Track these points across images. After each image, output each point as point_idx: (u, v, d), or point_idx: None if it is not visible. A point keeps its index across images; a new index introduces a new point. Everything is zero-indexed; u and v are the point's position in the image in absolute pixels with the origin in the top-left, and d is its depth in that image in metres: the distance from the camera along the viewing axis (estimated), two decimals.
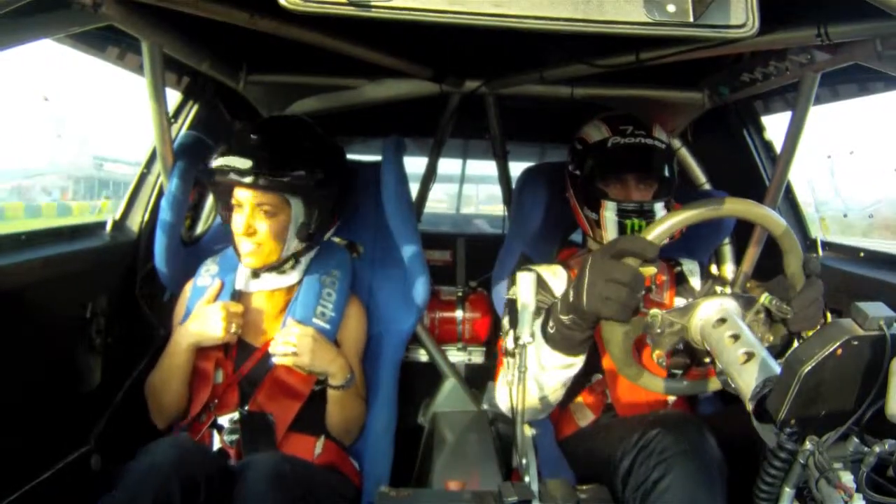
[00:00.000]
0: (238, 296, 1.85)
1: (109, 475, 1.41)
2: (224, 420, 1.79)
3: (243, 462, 1.57)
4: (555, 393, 1.62)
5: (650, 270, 1.37)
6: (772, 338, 1.43)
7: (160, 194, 1.99)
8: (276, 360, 1.75)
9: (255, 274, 1.84)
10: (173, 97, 2.24)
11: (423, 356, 2.59)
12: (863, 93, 1.96)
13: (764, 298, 1.40)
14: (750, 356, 1.24)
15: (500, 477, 1.92)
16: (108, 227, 2.13)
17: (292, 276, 1.88)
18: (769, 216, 1.40)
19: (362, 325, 1.97)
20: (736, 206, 1.40)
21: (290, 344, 1.72)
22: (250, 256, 1.78)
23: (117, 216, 2.18)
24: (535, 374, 1.55)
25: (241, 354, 1.83)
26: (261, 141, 1.78)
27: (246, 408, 1.78)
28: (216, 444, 1.76)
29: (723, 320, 1.35)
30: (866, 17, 1.27)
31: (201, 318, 1.77)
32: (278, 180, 1.72)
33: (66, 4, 1.23)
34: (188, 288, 1.91)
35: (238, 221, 1.76)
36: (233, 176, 1.70)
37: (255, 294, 1.87)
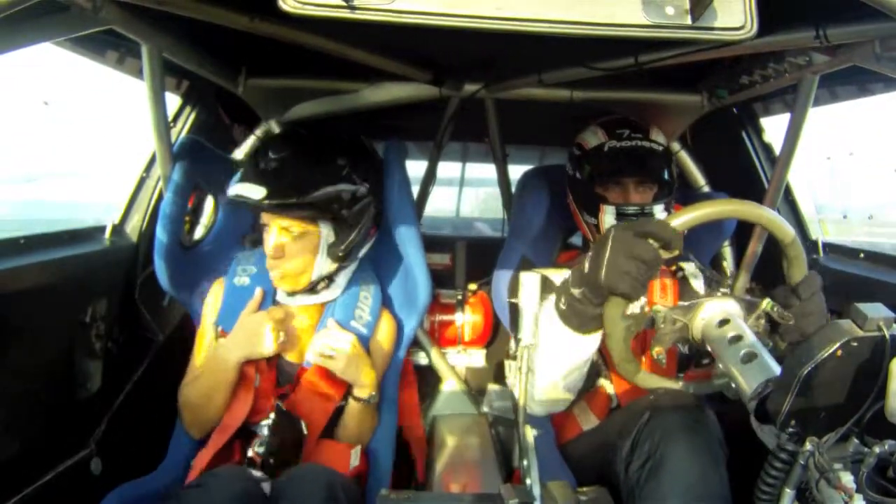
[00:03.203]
0: (277, 305, 1.83)
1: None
2: (255, 428, 1.74)
3: (291, 474, 1.54)
4: (570, 377, 1.60)
5: (671, 253, 1.36)
6: (770, 344, 1.44)
7: (159, 198, 1.98)
8: (311, 359, 1.73)
9: (290, 294, 1.81)
10: (172, 102, 2.24)
11: (423, 359, 2.59)
12: (862, 94, 1.96)
13: (766, 304, 1.41)
14: (751, 357, 1.24)
15: (500, 480, 1.92)
16: (108, 231, 2.13)
17: (328, 294, 1.84)
18: (780, 224, 1.40)
19: (394, 337, 1.93)
20: (754, 211, 1.40)
21: (327, 346, 1.70)
22: (280, 281, 1.75)
23: (116, 220, 2.17)
24: (546, 353, 1.54)
25: (279, 364, 1.80)
26: (279, 162, 1.69)
27: (281, 404, 1.72)
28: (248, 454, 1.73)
29: (725, 321, 1.35)
30: (865, 19, 1.27)
31: (249, 331, 1.72)
32: (295, 205, 1.66)
33: (66, 8, 1.23)
34: (221, 285, 1.88)
35: (266, 242, 1.72)
36: (248, 204, 1.65)
37: (292, 306, 1.84)
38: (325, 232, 1.73)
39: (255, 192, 1.62)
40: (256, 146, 2.24)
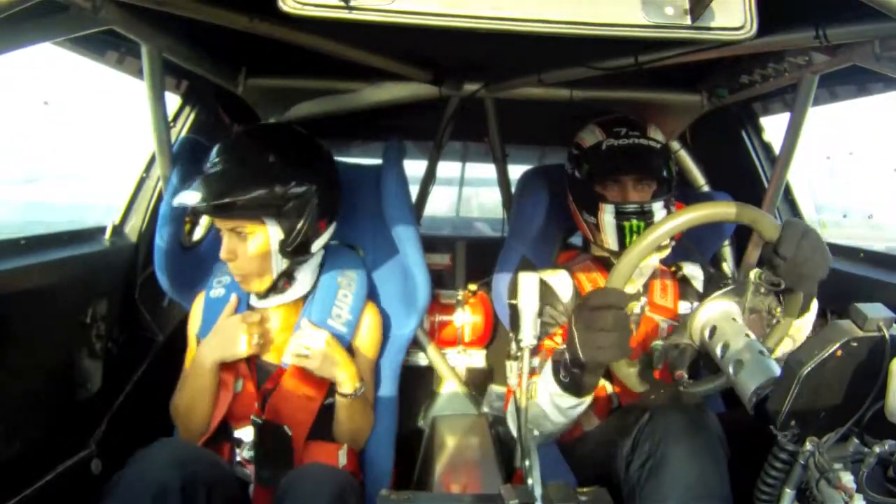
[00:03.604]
0: (252, 309, 1.84)
1: (107, 482, 1.39)
2: (241, 433, 1.77)
3: (295, 473, 1.55)
4: (566, 426, 1.69)
5: (633, 306, 1.39)
6: (779, 310, 1.44)
7: (159, 199, 1.99)
8: (286, 360, 1.74)
9: (260, 295, 1.82)
10: (172, 102, 2.24)
11: (423, 360, 2.59)
12: (861, 94, 1.96)
13: (753, 276, 1.41)
14: (745, 361, 1.25)
15: (500, 480, 1.92)
16: (108, 231, 2.13)
17: (297, 291, 1.84)
18: (718, 211, 1.42)
19: (378, 334, 1.94)
20: (685, 217, 1.40)
21: (303, 346, 1.71)
22: (244, 284, 1.77)
23: (117, 221, 2.18)
24: (549, 414, 1.61)
25: (259, 365, 1.82)
26: (218, 166, 1.71)
27: (261, 417, 1.74)
28: (236, 458, 1.76)
29: (714, 328, 1.36)
30: (864, 18, 1.27)
31: (222, 334, 1.75)
32: (227, 207, 1.65)
33: (66, 8, 1.23)
34: (201, 299, 1.89)
35: (222, 245, 1.74)
36: (192, 210, 1.68)
37: (267, 308, 1.85)
38: (273, 229, 1.73)
39: (192, 197, 1.63)
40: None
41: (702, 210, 1.41)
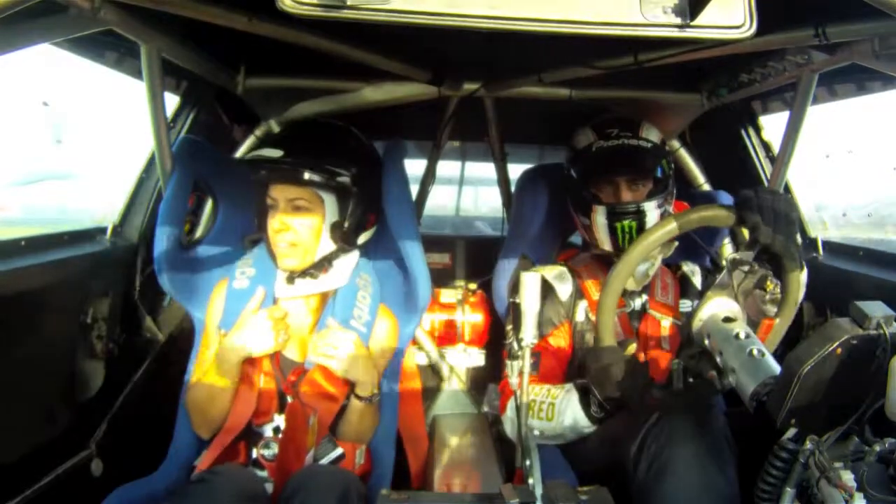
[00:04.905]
0: (276, 303, 1.85)
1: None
2: (260, 429, 1.78)
3: (305, 473, 1.57)
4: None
5: (631, 349, 1.58)
6: (772, 285, 1.45)
7: (159, 199, 1.98)
8: (312, 359, 1.75)
9: (291, 279, 1.83)
10: (172, 102, 2.24)
11: (423, 359, 2.58)
12: (860, 92, 1.96)
13: (728, 261, 1.46)
14: (738, 367, 1.25)
15: (501, 479, 1.92)
16: (108, 232, 2.13)
17: (328, 281, 1.86)
18: (666, 230, 1.48)
19: (394, 340, 1.95)
20: (639, 247, 1.49)
21: (330, 345, 1.72)
22: (287, 257, 1.78)
23: (117, 221, 2.17)
24: (567, 435, 1.71)
25: (281, 362, 1.82)
26: (295, 135, 1.85)
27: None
28: (252, 457, 1.76)
29: (710, 336, 1.36)
30: (864, 17, 1.27)
31: (249, 330, 1.75)
32: (309, 172, 1.72)
33: (65, 9, 1.23)
34: (222, 288, 1.90)
35: (272, 219, 1.77)
36: (264, 166, 1.74)
37: (291, 300, 1.86)
38: (330, 208, 1.78)
39: (272, 152, 1.72)
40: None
41: (653, 234, 1.49)
